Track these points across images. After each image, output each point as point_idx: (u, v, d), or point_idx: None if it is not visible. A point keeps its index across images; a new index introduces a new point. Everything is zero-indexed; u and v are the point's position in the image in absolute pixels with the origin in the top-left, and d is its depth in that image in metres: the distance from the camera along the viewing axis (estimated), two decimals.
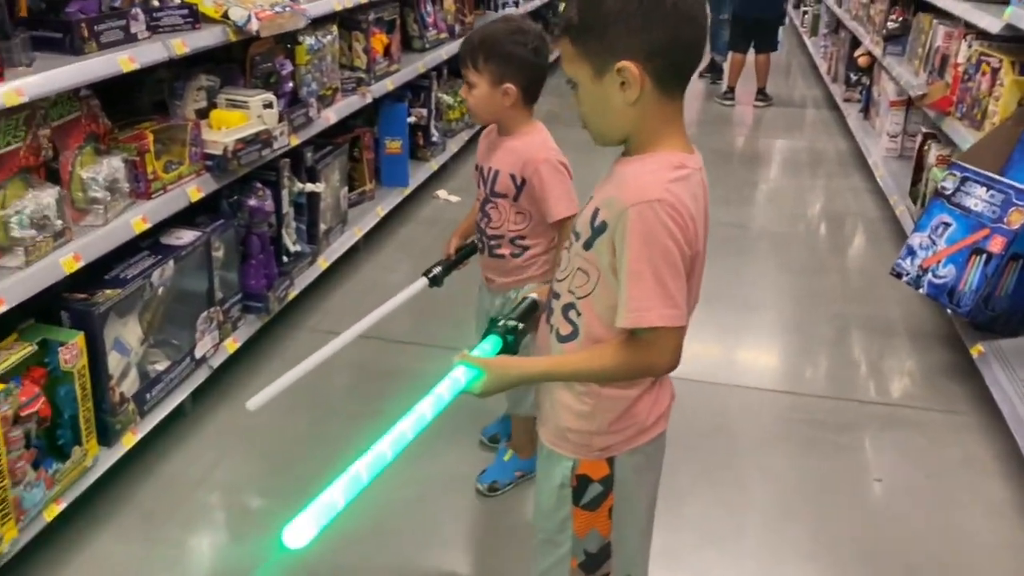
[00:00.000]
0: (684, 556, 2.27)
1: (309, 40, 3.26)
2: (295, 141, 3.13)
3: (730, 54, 7.42)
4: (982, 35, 3.41)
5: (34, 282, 2.01)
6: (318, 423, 2.77)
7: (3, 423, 1.87)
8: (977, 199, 2.94)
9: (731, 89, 7.38)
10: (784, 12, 7.65)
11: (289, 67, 3.14)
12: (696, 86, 8.09)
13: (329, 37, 3.44)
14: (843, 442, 2.79)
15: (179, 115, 2.70)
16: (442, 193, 4.84)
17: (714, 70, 8.10)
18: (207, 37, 2.59)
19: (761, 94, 7.36)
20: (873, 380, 3.18)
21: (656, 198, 1.27)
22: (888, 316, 3.58)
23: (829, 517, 2.43)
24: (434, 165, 4.83)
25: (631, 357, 1.37)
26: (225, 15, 2.63)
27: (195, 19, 2.57)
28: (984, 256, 2.87)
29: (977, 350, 2.91)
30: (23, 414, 1.96)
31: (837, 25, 7.58)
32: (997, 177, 2.91)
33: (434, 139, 4.82)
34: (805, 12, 10.13)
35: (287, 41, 3.18)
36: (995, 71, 3.27)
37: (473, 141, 5.63)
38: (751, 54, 7.26)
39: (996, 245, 2.83)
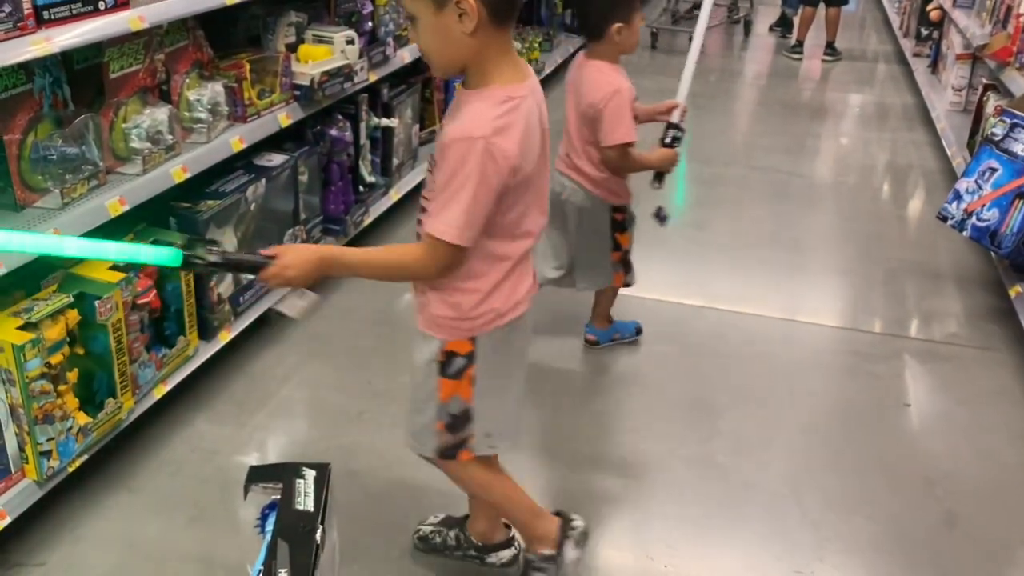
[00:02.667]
0: (717, 460, 2.48)
1: None
2: (373, 77, 3.37)
3: (800, 7, 7.39)
4: None
5: (149, 188, 2.30)
6: (383, 337, 3.05)
7: (125, 308, 2.17)
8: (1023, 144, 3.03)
9: (800, 43, 7.37)
10: None
11: (369, 7, 3.36)
12: (766, 40, 8.08)
13: None
14: (879, 371, 2.96)
15: (271, 48, 2.96)
16: None
17: (784, 23, 8.06)
18: None
19: (830, 48, 7.33)
20: (916, 318, 3.31)
21: (478, 135, 1.48)
22: (937, 261, 3.69)
23: (856, 434, 2.62)
24: None
25: (414, 257, 1.61)
26: None
27: None
28: None
29: (1016, 291, 3.02)
30: (139, 302, 2.26)
31: None
32: None
33: None
34: None
35: None
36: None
37: (541, 86, 5.81)
38: (822, 8, 7.22)
39: None
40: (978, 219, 3.11)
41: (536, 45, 5.62)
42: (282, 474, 1.71)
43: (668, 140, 2.72)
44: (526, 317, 1.75)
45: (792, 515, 2.27)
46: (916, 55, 6.52)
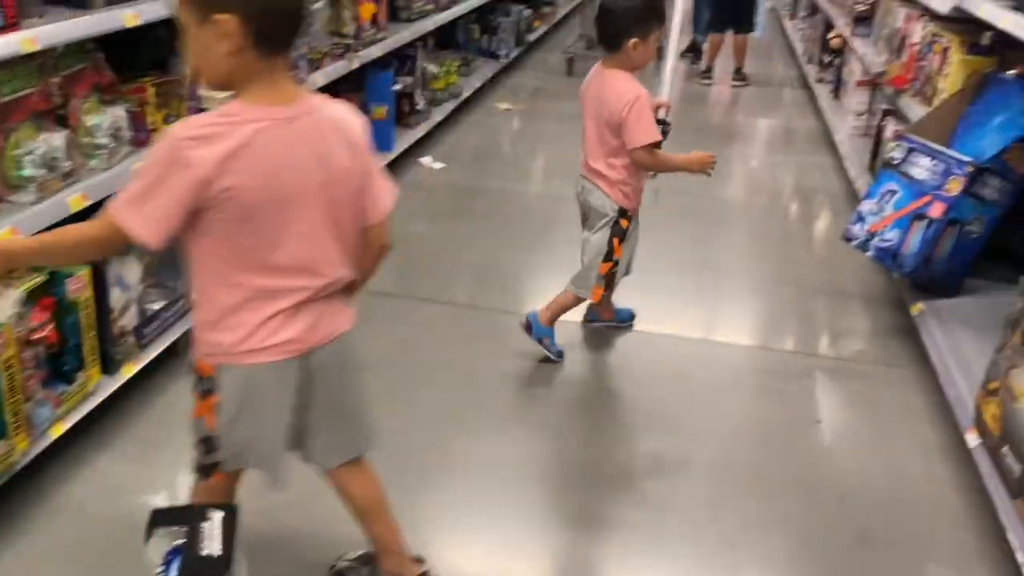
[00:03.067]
0: (637, 483, 2.49)
1: None
2: None
3: (709, 34, 7.61)
4: (935, 16, 3.62)
5: (44, 217, 2.19)
6: None
7: (18, 343, 2.05)
8: (921, 168, 3.16)
9: (709, 68, 7.58)
10: None
11: None
12: (677, 66, 8.27)
13: (319, 3, 3.61)
14: (792, 390, 3.02)
15: (178, 71, 2.86)
16: (426, 160, 5.02)
17: (694, 50, 8.28)
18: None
19: (738, 74, 7.57)
20: (824, 336, 3.41)
21: (177, 136, 1.47)
22: (843, 280, 3.81)
23: (771, 453, 2.66)
24: (419, 132, 5.02)
25: (94, 230, 1.54)
26: None
27: None
28: (925, 221, 3.09)
29: (917, 308, 3.14)
30: (34, 338, 2.14)
31: (814, 8, 7.79)
32: (940, 148, 3.13)
33: (419, 107, 4.99)
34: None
35: None
36: (945, 51, 3.48)
37: (459, 111, 5.82)
38: (730, 34, 7.44)
39: (936, 211, 3.05)
40: (881, 240, 3.23)
41: (453, 70, 5.63)
42: (187, 517, 1.63)
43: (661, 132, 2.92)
44: (286, 370, 1.65)
45: (709, 536, 2.29)
46: (819, 81, 6.78)
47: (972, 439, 2.42)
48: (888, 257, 3.20)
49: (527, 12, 7.55)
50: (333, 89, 4.02)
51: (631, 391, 2.94)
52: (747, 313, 3.56)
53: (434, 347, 3.14)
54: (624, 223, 2.94)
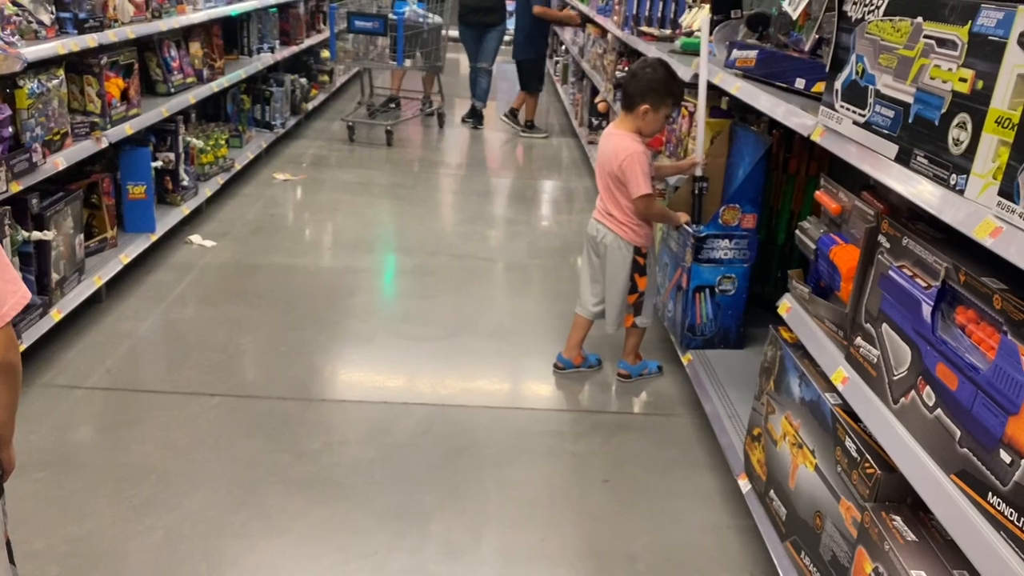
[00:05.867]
0: (429, 569, 2.38)
1: (31, 84, 3.13)
2: (16, 188, 2.98)
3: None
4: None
5: None
6: (50, 482, 2.63)
7: None
8: (674, 241, 3.39)
9: (531, 122, 8.29)
10: (534, 58, 8.24)
11: (7, 111, 3.00)
12: (460, 130, 8.45)
13: (55, 81, 3.31)
14: (579, 450, 3.04)
15: None
16: (195, 238, 4.74)
17: (475, 115, 8.49)
18: None
19: (529, 124, 8.33)
20: (605, 392, 3.48)
21: None
22: (619, 336, 3.92)
23: (560, 519, 2.64)
24: (185, 210, 4.73)
25: None
26: None
27: None
28: (681, 292, 3.28)
29: (687, 358, 3.28)
30: None
31: (582, 74, 8.23)
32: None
33: (184, 183, 4.71)
34: (557, 62, 10.86)
35: (5, 85, 3.03)
36: (691, 114, 3.73)
37: (232, 184, 5.57)
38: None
39: (684, 281, 3.26)
40: (666, 311, 3.40)
41: (223, 142, 5.39)
42: None
43: (697, 191, 3.28)
44: None
45: None
46: (591, 143, 7.12)
47: (744, 484, 2.52)
48: (674, 328, 3.34)
49: (303, 81, 7.43)
50: (83, 169, 3.71)
51: (420, 470, 2.84)
52: (536, 376, 3.58)
53: (202, 446, 2.89)
54: (640, 260, 3.30)
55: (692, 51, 3.76)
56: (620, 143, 3.19)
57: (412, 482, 2.77)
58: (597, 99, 6.75)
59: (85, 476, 2.69)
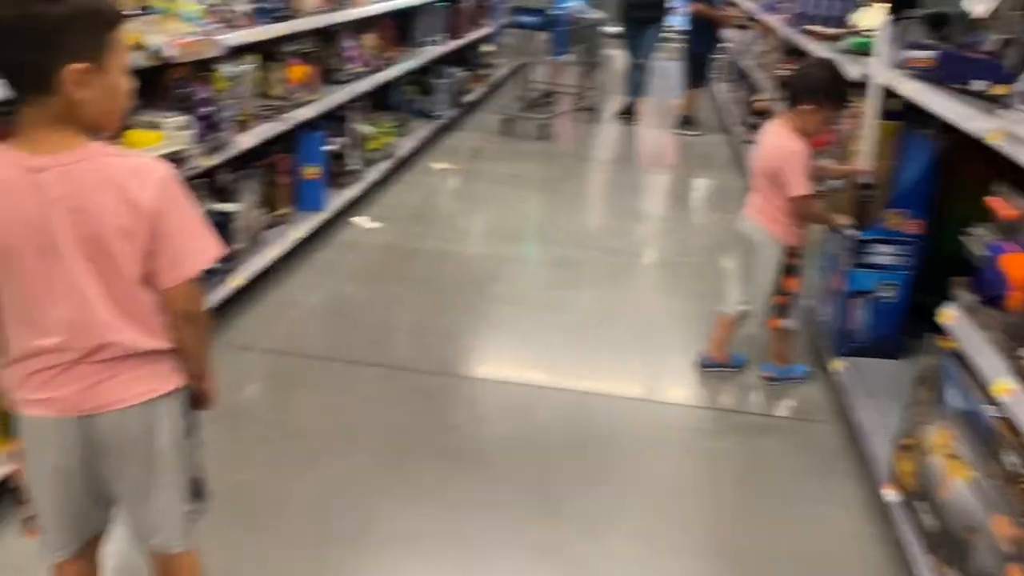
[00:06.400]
0: (565, 549, 2.46)
1: (227, 68, 3.43)
2: (210, 163, 3.28)
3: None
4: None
5: None
6: (226, 433, 2.89)
7: None
8: (834, 245, 3.31)
9: (688, 119, 8.13)
10: (700, 51, 8.15)
11: (206, 92, 3.30)
12: (613, 126, 8.46)
13: (248, 66, 3.61)
14: (716, 448, 3.04)
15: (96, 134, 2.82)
16: (360, 220, 5.01)
17: (629, 111, 8.49)
18: None
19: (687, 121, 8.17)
20: (747, 393, 3.44)
21: None
22: (766, 337, 3.86)
23: (697, 514, 2.66)
24: (353, 192, 5.01)
25: None
26: (142, 41, 2.79)
27: None
28: (835, 295, 3.21)
29: (838, 365, 3.20)
30: None
31: (742, 72, 8.07)
32: None
33: (353, 167, 5.00)
34: (714, 60, 10.65)
35: (205, 68, 3.34)
36: (858, 116, 3.62)
37: (395, 171, 5.85)
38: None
39: (839, 285, 3.19)
40: (820, 315, 3.34)
41: (389, 130, 5.67)
42: None
43: (862, 199, 3.27)
44: (60, 429, 1.58)
45: None
46: (747, 142, 6.98)
47: (889, 494, 2.45)
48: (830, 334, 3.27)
49: (464, 74, 7.67)
50: (264, 150, 4.02)
51: (560, 453, 2.92)
52: (679, 371, 3.58)
53: (361, 411, 3.09)
54: (791, 260, 3.21)
55: (862, 51, 3.64)
56: (780, 141, 3.16)
57: (550, 463, 2.86)
58: (756, 98, 6.61)
59: (255, 429, 2.94)
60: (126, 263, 1.51)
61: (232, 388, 3.18)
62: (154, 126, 2.95)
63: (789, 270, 3.26)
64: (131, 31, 2.77)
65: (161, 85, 3.14)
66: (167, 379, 1.65)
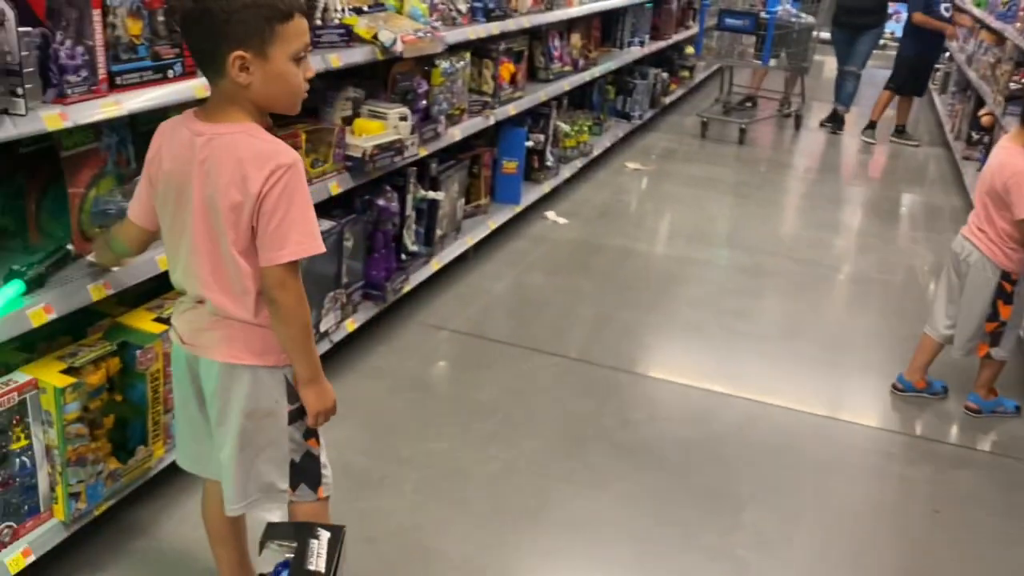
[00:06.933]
0: (735, 555, 2.45)
1: (444, 64, 3.64)
2: (423, 152, 3.50)
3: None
4: None
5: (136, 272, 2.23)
6: (414, 402, 3.10)
7: (165, 359, 2.25)
8: None
9: (872, 123, 7.78)
10: (914, 55, 7.68)
11: (425, 86, 3.52)
12: (817, 134, 8.14)
13: (462, 63, 3.81)
14: (910, 475, 2.91)
15: (328, 120, 3.10)
16: (551, 214, 5.15)
17: (835, 120, 8.14)
18: (358, 55, 2.98)
19: (899, 130, 7.81)
20: (949, 423, 3.25)
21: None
22: (968, 365, 3.61)
23: (879, 539, 2.57)
24: (546, 188, 5.15)
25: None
26: (375, 37, 3.02)
27: (349, 38, 2.97)
28: None
29: None
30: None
31: (966, 85, 7.53)
32: None
33: (549, 163, 5.14)
34: (938, 69, 9.99)
35: (425, 63, 3.56)
36: None
37: (588, 168, 5.95)
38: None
39: None
40: None
41: (585, 129, 5.76)
42: (297, 533, 1.75)
43: None
44: (179, 355, 1.82)
45: None
46: (966, 158, 6.52)
47: None
48: None
49: (664, 75, 7.64)
50: (470, 142, 4.23)
51: (739, 461, 2.90)
52: (869, 392, 3.45)
53: (541, 397, 3.21)
54: (1007, 286, 3.07)
55: None
56: (1009, 159, 2.98)
57: (728, 470, 2.84)
58: (982, 112, 6.15)
59: (444, 404, 3.12)
60: (230, 232, 1.65)
61: (426, 363, 3.40)
62: (378, 115, 3.20)
63: (1005, 297, 3.06)
64: (367, 26, 3.02)
65: (387, 77, 3.38)
66: (257, 353, 1.73)
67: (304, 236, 1.66)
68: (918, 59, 7.56)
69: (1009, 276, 3.05)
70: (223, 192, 1.63)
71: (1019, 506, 2.75)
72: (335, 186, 2.99)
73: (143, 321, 2.24)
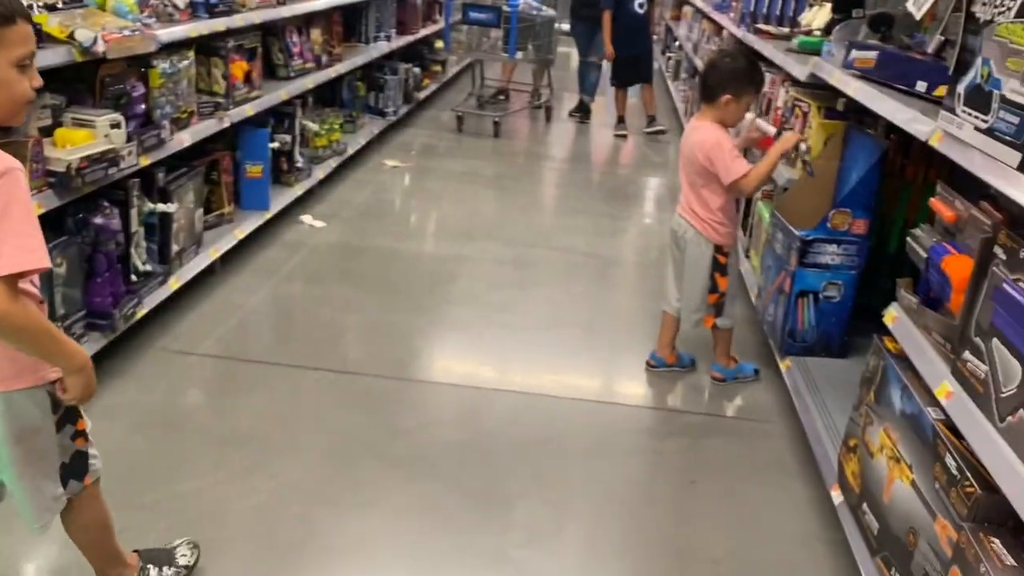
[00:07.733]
0: (511, 554, 2.42)
1: (163, 64, 3.32)
2: (145, 161, 3.17)
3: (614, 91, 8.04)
4: (795, 82, 3.79)
5: None
6: (163, 440, 2.80)
7: None
8: (779, 243, 3.30)
9: (621, 119, 8.01)
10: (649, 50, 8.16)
11: (142, 89, 3.19)
12: (567, 125, 8.45)
13: (185, 62, 3.50)
14: (667, 449, 3.03)
15: (21, 132, 2.70)
16: (306, 218, 4.91)
17: (582, 110, 8.48)
18: (50, 56, 2.62)
19: (651, 120, 8.09)
20: (696, 393, 3.44)
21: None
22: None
23: (644, 517, 2.64)
24: (299, 190, 4.91)
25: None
26: (71, 36, 2.67)
27: (39, 38, 2.60)
28: (783, 296, 3.20)
29: (785, 365, 3.21)
30: None
31: (695, 71, 8.10)
32: (787, 225, 3.25)
33: (299, 165, 4.90)
34: (670, 58, 10.72)
35: (140, 64, 3.22)
36: (805, 114, 3.64)
37: (344, 168, 5.75)
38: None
39: (787, 285, 3.17)
40: (767, 315, 3.32)
41: (337, 127, 5.57)
42: None
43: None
44: None
45: None
46: None
47: (836, 496, 2.45)
48: (785, 336, 3.25)
49: (416, 70, 7.58)
50: (205, 147, 3.91)
51: (508, 457, 2.88)
52: (628, 373, 3.57)
53: (305, 417, 3.01)
54: (721, 259, 3.26)
55: (810, 50, 3.65)
56: (704, 135, 3.17)
57: (499, 467, 2.81)
58: None
59: (194, 437, 2.84)
60: None
61: (169, 395, 3.09)
62: (85, 124, 2.84)
63: (721, 269, 3.28)
64: (60, 24, 2.66)
65: (95, 81, 3.02)
66: (10, 378, 1.69)
67: (20, 249, 1.53)
68: (628, 55, 7.78)
69: (722, 249, 3.27)
70: None
71: (763, 467, 2.94)
72: (37, 206, 2.61)
73: None
